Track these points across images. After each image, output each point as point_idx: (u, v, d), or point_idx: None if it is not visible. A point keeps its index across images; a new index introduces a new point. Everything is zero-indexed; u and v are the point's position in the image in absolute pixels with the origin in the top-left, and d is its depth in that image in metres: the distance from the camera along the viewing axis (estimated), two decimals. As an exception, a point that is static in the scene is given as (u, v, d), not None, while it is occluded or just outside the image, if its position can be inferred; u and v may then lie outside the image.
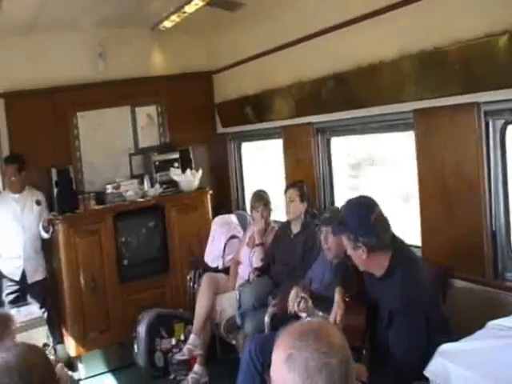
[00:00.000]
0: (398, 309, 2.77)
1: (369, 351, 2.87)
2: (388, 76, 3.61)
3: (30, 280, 5.20)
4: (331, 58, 4.14)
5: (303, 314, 3.41)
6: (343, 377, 1.46)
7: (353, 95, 3.99)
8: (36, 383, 1.63)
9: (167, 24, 5.31)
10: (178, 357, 4.77)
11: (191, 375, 4.72)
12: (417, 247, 3.58)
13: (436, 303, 2.92)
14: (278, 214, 5.00)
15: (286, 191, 4.50)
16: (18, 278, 5.17)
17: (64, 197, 5.32)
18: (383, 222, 2.87)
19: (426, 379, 2.53)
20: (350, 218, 2.91)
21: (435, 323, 2.79)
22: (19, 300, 5.07)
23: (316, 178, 4.70)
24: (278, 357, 1.51)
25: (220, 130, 6.24)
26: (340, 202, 4.31)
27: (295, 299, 3.51)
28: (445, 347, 2.53)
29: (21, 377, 1.62)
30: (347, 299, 3.11)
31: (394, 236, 2.91)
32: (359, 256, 2.87)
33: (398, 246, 2.91)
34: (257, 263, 4.64)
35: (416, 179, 3.62)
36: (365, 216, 2.86)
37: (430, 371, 2.51)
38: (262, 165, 6.02)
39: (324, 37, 4.18)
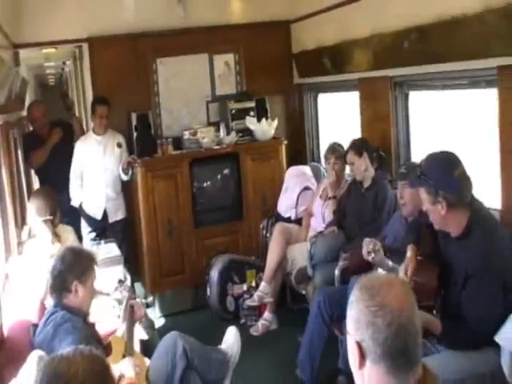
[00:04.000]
0: (474, 271, 2.71)
1: (440, 313, 2.85)
2: (471, 30, 3.45)
3: (110, 219, 5.45)
4: (412, 9, 4.00)
5: (371, 256, 3.40)
6: (390, 339, 1.46)
7: (433, 49, 3.86)
8: None
9: (247, -28, 5.28)
10: (249, 303, 4.93)
11: (261, 321, 4.88)
12: (495, 210, 3.43)
13: None
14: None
15: (345, 159, 4.51)
16: (99, 217, 5.43)
17: (143, 141, 5.47)
18: (465, 179, 2.78)
19: (498, 345, 2.53)
20: (431, 171, 2.81)
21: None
22: (100, 238, 5.27)
23: (392, 133, 4.60)
24: (349, 299, 1.57)
25: (297, 80, 6.17)
26: (416, 158, 4.25)
27: (368, 243, 3.48)
28: (518, 315, 2.52)
29: None
30: (419, 258, 3.04)
31: (473, 196, 2.84)
32: (437, 211, 2.79)
33: (477, 207, 2.84)
34: (329, 216, 4.66)
35: (497, 138, 3.49)
36: (448, 170, 2.77)
37: (501, 337, 2.52)
38: (339, 118, 5.92)
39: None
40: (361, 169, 4.36)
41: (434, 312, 2.85)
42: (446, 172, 2.78)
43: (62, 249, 3.16)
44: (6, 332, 3.15)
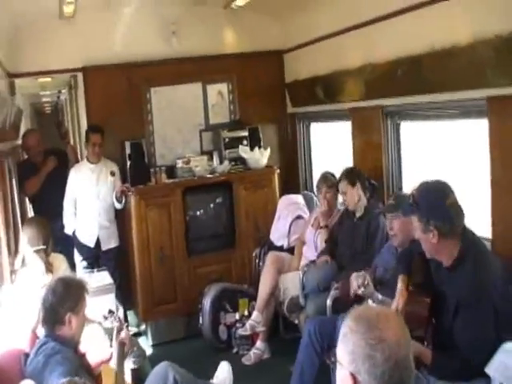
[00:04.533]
0: (466, 300, 2.71)
1: (431, 342, 2.83)
2: (461, 61, 3.50)
3: (103, 247, 5.46)
4: (404, 40, 4.06)
5: (361, 290, 3.41)
6: (388, 374, 1.46)
7: (425, 79, 3.90)
8: None
9: (240, 2, 5.37)
10: (241, 332, 4.92)
11: (253, 350, 4.86)
12: (486, 240, 3.41)
13: (506, 299, 2.80)
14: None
15: (337, 188, 4.52)
16: (92, 245, 5.44)
17: (136, 169, 5.50)
18: (457, 208, 2.79)
19: (488, 377, 2.51)
20: (423, 199, 2.82)
21: (503, 320, 2.71)
22: (93, 265, 5.30)
23: (384, 163, 4.63)
24: (341, 330, 1.56)
25: (290, 109, 6.23)
26: (408, 188, 4.26)
27: (357, 277, 3.51)
28: (510, 345, 2.52)
29: None
30: (411, 288, 3.05)
31: (464, 226, 2.84)
32: (429, 240, 2.80)
33: (469, 237, 2.84)
34: (321, 245, 4.66)
35: (488, 168, 3.50)
36: (439, 199, 2.79)
37: (491, 368, 2.50)
38: (331, 147, 5.97)
39: (397, 18, 4.08)
40: (353, 198, 4.36)
41: (425, 342, 2.83)
42: (437, 201, 2.80)
43: (52, 280, 3.14)
44: None
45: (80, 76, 5.76)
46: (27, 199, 6.03)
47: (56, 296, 2.98)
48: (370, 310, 1.66)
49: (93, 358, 3.29)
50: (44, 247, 4.13)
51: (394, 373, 1.46)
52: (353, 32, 4.70)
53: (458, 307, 2.75)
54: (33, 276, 3.96)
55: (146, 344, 5.31)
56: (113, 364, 3.20)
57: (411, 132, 4.57)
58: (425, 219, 2.78)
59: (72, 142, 8.29)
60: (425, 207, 2.79)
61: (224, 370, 3.57)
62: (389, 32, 4.25)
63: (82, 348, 3.18)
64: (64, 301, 2.98)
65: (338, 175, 4.66)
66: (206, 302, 5.20)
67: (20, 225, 5.17)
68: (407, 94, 4.20)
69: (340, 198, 4.75)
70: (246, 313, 5.10)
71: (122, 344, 3.26)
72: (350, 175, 4.42)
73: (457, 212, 2.80)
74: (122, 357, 3.21)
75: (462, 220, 2.81)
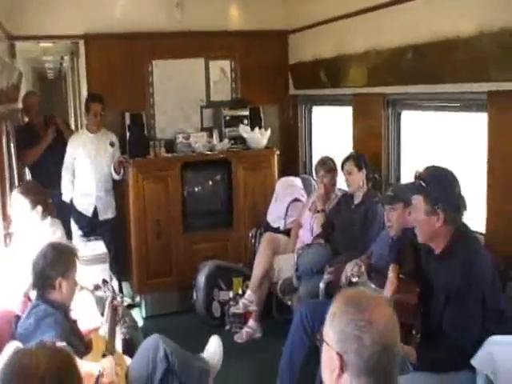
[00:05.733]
0: (455, 289, 2.73)
1: (420, 330, 2.85)
2: (464, 53, 3.50)
3: (100, 217, 5.49)
4: (409, 28, 4.04)
5: (355, 279, 3.47)
6: (377, 357, 1.49)
7: (428, 69, 3.90)
8: None
9: (246, -22, 5.34)
10: (234, 310, 4.97)
11: (245, 329, 4.90)
12: (480, 234, 3.49)
13: (495, 291, 2.86)
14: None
15: (342, 167, 4.51)
16: (90, 215, 5.47)
17: (136, 141, 5.49)
18: (463, 198, 2.83)
19: (474, 368, 2.56)
20: (435, 182, 2.81)
21: (491, 311, 2.77)
22: (89, 235, 5.34)
23: (383, 151, 4.63)
24: (329, 312, 1.58)
25: (292, 91, 6.20)
26: (406, 178, 4.29)
27: (351, 265, 3.56)
28: (496, 338, 2.57)
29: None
30: (401, 276, 3.08)
31: None
32: (431, 223, 2.80)
33: (461, 228, 2.87)
34: (317, 229, 4.69)
35: (485, 162, 3.53)
36: (451, 185, 2.81)
37: (477, 360, 2.54)
38: (332, 131, 5.97)
39: (403, 5, 4.06)
40: (357, 182, 4.40)
41: (414, 331, 2.85)
42: (449, 186, 2.82)
43: (43, 246, 3.17)
44: None
45: (82, 43, 5.74)
46: (26, 167, 6.07)
47: (47, 261, 3.03)
48: (361, 293, 1.67)
49: (84, 325, 3.33)
50: (40, 210, 4.07)
51: (381, 357, 1.49)
52: (359, 17, 4.67)
53: (447, 296, 2.77)
54: (28, 239, 3.94)
55: (139, 316, 5.38)
56: (103, 332, 3.24)
57: (412, 122, 4.57)
58: (433, 201, 2.78)
59: (72, 110, 8.30)
60: (436, 190, 2.79)
61: (214, 344, 3.59)
62: (394, 19, 4.23)
63: (74, 315, 3.22)
64: (54, 265, 3.03)
65: (337, 160, 4.70)
66: (201, 278, 5.23)
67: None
68: (409, 83, 4.19)
69: (340, 183, 4.77)
70: (239, 291, 5.12)
71: (114, 312, 3.32)
72: (358, 159, 4.43)
73: (463, 201, 2.82)
74: (113, 325, 3.27)
75: (464, 211, 2.83)
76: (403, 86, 4.30)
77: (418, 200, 2.86)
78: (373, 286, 3.44)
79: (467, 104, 3.80)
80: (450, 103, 3.97)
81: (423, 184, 2.83)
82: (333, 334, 1.54)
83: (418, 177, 2.88)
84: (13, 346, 2.67)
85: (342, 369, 1.51)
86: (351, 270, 3.56)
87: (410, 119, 4.57)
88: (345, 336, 1.51)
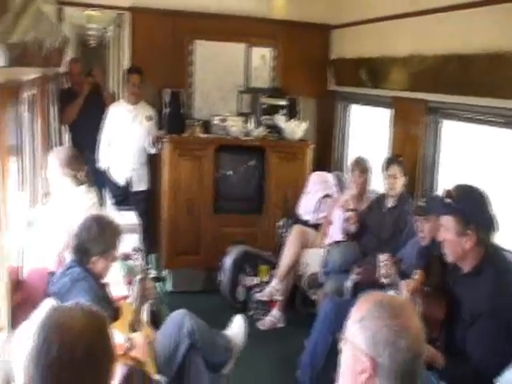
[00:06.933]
0: (482, 310, 2.70)
1: (443, 345, 2.86)
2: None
3: (134, 188, 5.64)
4: (457, 36, 4.02)
5: (385, 280, 3.48)
6: (408, 363, 1.51)
7: (472, 80, 3.84)
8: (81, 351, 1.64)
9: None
10: (259, 296, 5.05)
11: (269, 317, 4.99)
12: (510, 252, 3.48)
13: None
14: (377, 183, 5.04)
15: (387, 167, 4.47)
16: (123, 184, 5.62)
17: (173, 118, 5.60)
18: (495, 219, 2.79)
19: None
20: (467, 202, 2.76)
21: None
22: (121, 204, 5.46)
23: (420, 159, 4.61)
24: (354, 314, 1.60)
25: (331, 87, 6.21)
26: (441, 188, 4.22)
27: (383, 261, 3.55)
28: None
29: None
30: (427, 288, 3.06)
31: None
32: (461, 244, 2.76)
33: (491, 246, 2.85)
34: (347, 227, 4.74)
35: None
36: (484, 205, 2.75)
37: (501, 381, 2.54)
38: (368, 132, 5.98)
39: (453, 13, 4.04)
40: (399, 186, 4.42)
41: (437, 344, 2.86)
42: (482, 207, 2.77)
43: (89, 217, 3.17)
44: (24, 275, 3.31)
45: (127, 16, 5.83)
46: (67, 128, 6.23)
47: (89, 235, 3.05)
48: (391, 298, 1.69)
49: (113, 292, 3.35)
50: (78, 173, 4.02)
51: (412, 362, 1.52)
52: (406, 19, 4.66)
53: (473, 315, 2.75)
54: (62, 203, 3.94)
55: (165, 290, 5.52)
56: (132, 301, 3.27)
57: (453, 132, 4.54)
58: (464, 222, 2.73)
59: (112, 81, 8.38)
60: (468, 210, 2.74)
61: (238, 324, 3.62)
62: (442, 26, 4.20)
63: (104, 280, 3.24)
64: (95, 242, 3.05)
65: (371, 162, 4.74)
66: (228, 261, 5.33)
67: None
68: (452, 93, 4.14)
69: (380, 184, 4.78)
70: (265, 279, 5.19)
71: (143, 286, 3.31)
72: (403, 164, 4.45)
73: (495, 222, 2.79)
74: (142, 297, 3.27)
75: (496, 231, 2.81)
76: (446, 95, 4.25)
77: (448, 220, 2.82)
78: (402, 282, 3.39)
79: (510, 121, 3.74)
80: (493, 118, 3.91)
81: (453, 203, 2.79)
82: (363, 337, 1.55)
83: (448, 195, 2.84)
84: (49, 302, 2.77)
85: (374, 372, 1.53)
86: (384, 269, 3.53)
87: (451, 129, 4.54)
88: (378, 340, 1.52)
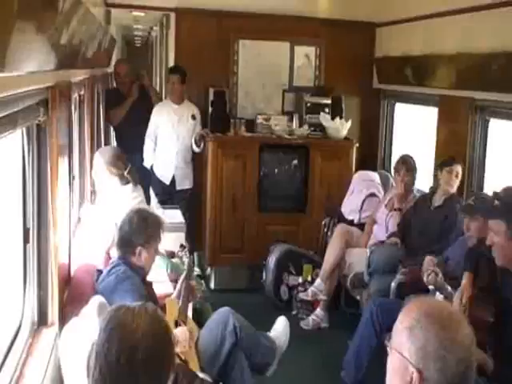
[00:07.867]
0: None
1: (493, 349, 2.83)
2: None
3: (178, 186, 5.68)
4: (504, 34, 3.95)
5: (431, 287, 3.45)
6: (458, 377, 1.47)
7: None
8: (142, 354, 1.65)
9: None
10: (302, 296, 5.03)
11: (313, 317, 4.98)
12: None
13: None
14: (422, 182, 5.01)
15: (448, 166, 4.36)
16: (168, 183, 5.68)
17: (217, 117, 5.65)
18: None
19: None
20: None
21: None
22: (165, 203, 5.52)
23: (467, 158, 4.54)
24: (403, 320, 1.55)
25: (376, 85, 6.18)
26: (488, 188, 4.21)
27: (427, 269, 3.52)
28: None
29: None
30: (475, 291, 3.04)
31: None
32: (511, 248, 2.77)
33: None
34: (392, 227, 4.70)
35: None
36: None
37: None
38: (414, 130, 5.92)
39: (500, 10, 3.97)
40: (456, 185, 4.38)
41: (488, 348, 2.83)
42: None
43: (131, 211, 3.23)
44: (73, 272, 3.37)
45: (172, 16, 5.92)
46: (112, 128, 6.36)
47: (131, 227, 3.11)
48: (441, 306, 1.62)
49: (157, 290, 3.38)
50: (125, 172, 4.05)
51: (462, 377, 1.47)
52: (452, 17, 4.60)
53: None
54: (109, 201, 4.00)
55: (209, 288, 5.53)
56: (176, 296, 3.32)
57: (501, 131, 4.46)
58: None
59: (158, 81, 8.48)
60: None
61: (282, 324, 3.60)
62: (489, 22, 4.14)
63: (149, 278, 3.28)
64: (137, 233, 3.10)
65: (417, 160, 4.69)
66: (272, 260, 5.33)
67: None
68: (500, 91, 4.07)
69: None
70: (309, 278, 5.17)
71: (188, 284, 3.37)
72: (459, 161, 4.39)
73: None
74: (188, 295, 3.32)
75: None
76: (493, 93, 4.19)
77: (497, 224, 2.81)
78: (449, 288, 3.42)
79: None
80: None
81: (503, 207, 2.79)
82: (413, 348, 1.50)
83: (497, 198, 2.84)
84: (97, 299, 2.82)
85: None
86: (427, 275, 3.50)
87: (500, 128, 4.47)
88: (427, 353, 1.48)
